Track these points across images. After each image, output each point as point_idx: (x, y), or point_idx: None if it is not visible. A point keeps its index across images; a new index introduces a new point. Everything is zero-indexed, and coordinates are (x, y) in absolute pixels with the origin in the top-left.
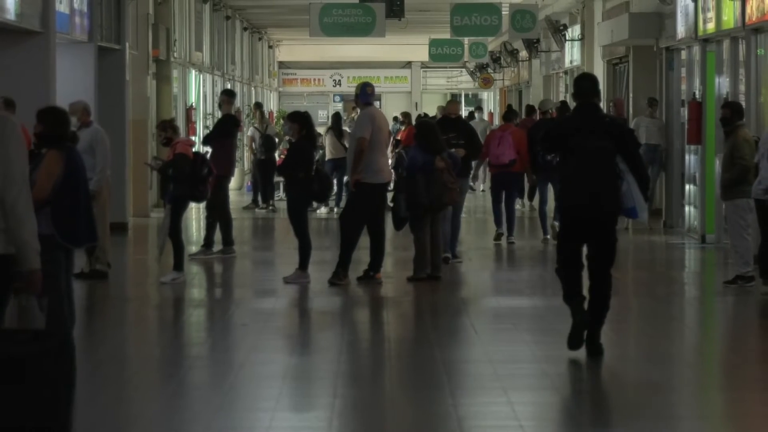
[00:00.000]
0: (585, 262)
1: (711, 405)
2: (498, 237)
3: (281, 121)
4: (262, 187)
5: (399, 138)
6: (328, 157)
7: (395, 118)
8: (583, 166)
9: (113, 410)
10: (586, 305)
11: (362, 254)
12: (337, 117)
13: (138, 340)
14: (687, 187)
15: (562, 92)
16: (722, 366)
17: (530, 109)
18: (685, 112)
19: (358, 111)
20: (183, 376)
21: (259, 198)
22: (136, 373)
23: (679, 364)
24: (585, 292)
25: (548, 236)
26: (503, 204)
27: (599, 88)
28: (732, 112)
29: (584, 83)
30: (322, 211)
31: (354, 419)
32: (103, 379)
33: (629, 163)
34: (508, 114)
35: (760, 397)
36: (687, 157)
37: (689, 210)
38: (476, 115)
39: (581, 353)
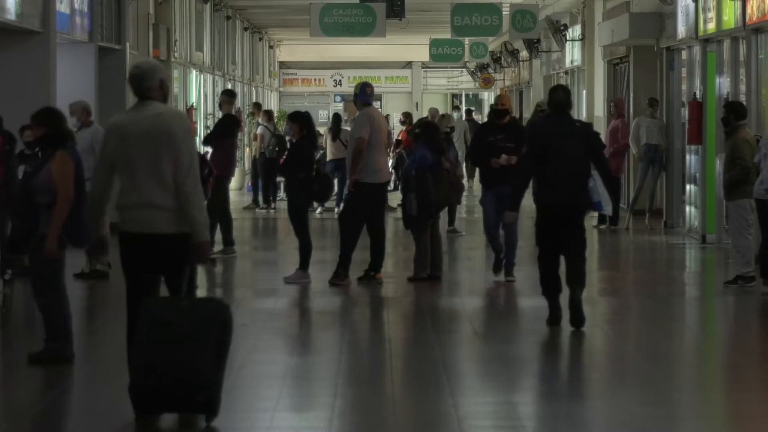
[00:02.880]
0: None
1: (711, 405)
2: None
3: (281, 122)
4: (264, 186)
5: (400, 138)
6: (329, 157)
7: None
8: (559, 168)
9: (113, 410)
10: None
11: (363, 254)
12: (336, 118)
13: None
14: (687, 187)
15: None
16: (722, 366)
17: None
18: (685, 112)
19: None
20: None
21: (260, 197)
22: None
23: (679, 364)
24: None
25: None
26: None
27: (571, 99)
28: (729, 112)
29: (558, 95)
30: (318, 210)
31: (354, 419)
32: (103, 379)
33: (596, 163)
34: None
35: (760, 397)
36: (687, 157)
37: (690, 210)
38: (455, 114)
39: (581, 354)
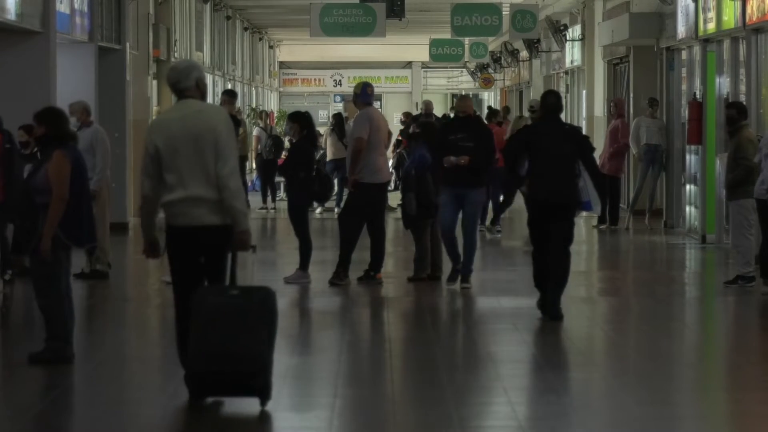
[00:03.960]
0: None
1: (711, 405)
2: (481, 232)
3: (281, 122)
4: (262, 187)
5: (399, 138)
6: (329, 157)
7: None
8: (549, 166)
9: (113, 410)
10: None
11: (363, 254)
12: (339, 117)
13: (138, 340)
14: (687, 187)
15: (563, 92)
16: (723, 366)
17: (493, 113)
18: (685, 112)
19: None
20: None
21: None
22: (136, 373)
23: (679, 363)
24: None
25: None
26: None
27: (562, 103)
28: (737, 112)
29: (550, 99)
30: (318, 210)
31: (354, 419)
32: (104, 379)
33: (586, 164)
34: (490, 115)
35: (760, 396)
36: (687, 157)
37: (690, 210)
38: (451, 115)
39: (581, 354)
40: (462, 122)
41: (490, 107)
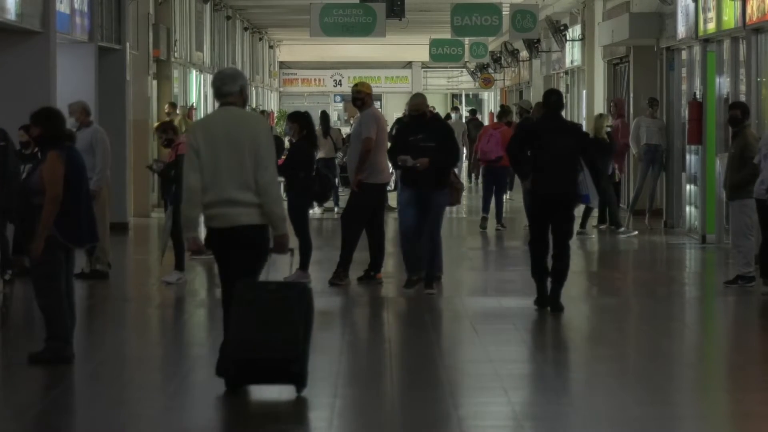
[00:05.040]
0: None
1: (711, 405)
2: (483, 222)
3: (281, 122)
4: None
5: None
6: (319, 156)
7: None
8: (551, 161)
9: (114, 410)
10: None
11: (363, 254)
12: (324, 115)
13: (138, 340)
14: (687, 187)
15: (563, 92)
16: (723, 366)
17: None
18: (685, 112)
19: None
20: (184, 376)
21: None
22: (136, 373)
23: (679, 363)
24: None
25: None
26: (493, 195)
27: (563, 102)
28: (742, 113)
29: (552, 97)
30: (317, 211)
31: (354, 419)
32: (104, 379)
33: (586, 159)
34: (501, 113)
35: (760, 397)
36: (687, 157)
37: (690, 210)
38: (452, 115)
39: (581, 354)
40: (418, 121)
41: (502, 105)
